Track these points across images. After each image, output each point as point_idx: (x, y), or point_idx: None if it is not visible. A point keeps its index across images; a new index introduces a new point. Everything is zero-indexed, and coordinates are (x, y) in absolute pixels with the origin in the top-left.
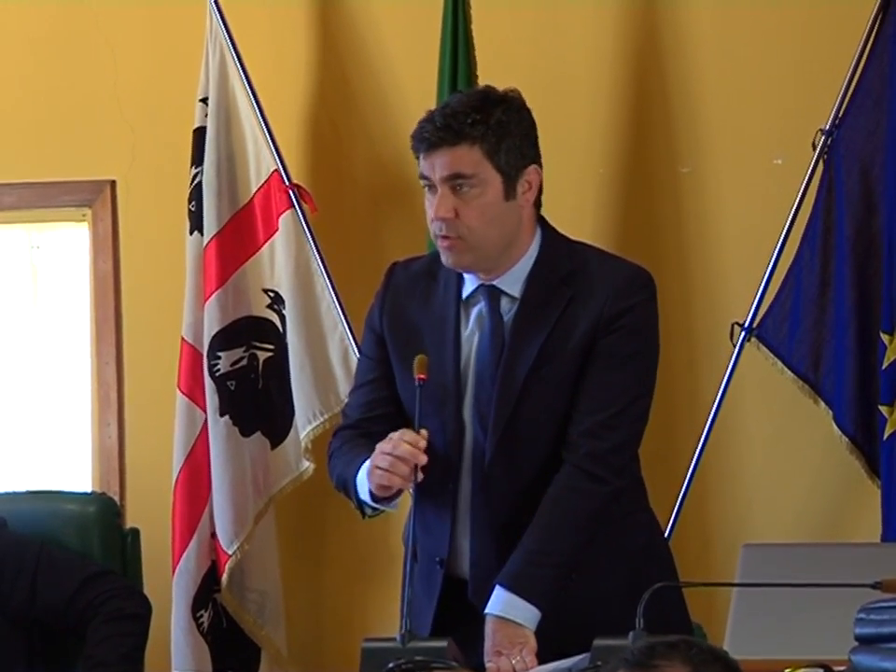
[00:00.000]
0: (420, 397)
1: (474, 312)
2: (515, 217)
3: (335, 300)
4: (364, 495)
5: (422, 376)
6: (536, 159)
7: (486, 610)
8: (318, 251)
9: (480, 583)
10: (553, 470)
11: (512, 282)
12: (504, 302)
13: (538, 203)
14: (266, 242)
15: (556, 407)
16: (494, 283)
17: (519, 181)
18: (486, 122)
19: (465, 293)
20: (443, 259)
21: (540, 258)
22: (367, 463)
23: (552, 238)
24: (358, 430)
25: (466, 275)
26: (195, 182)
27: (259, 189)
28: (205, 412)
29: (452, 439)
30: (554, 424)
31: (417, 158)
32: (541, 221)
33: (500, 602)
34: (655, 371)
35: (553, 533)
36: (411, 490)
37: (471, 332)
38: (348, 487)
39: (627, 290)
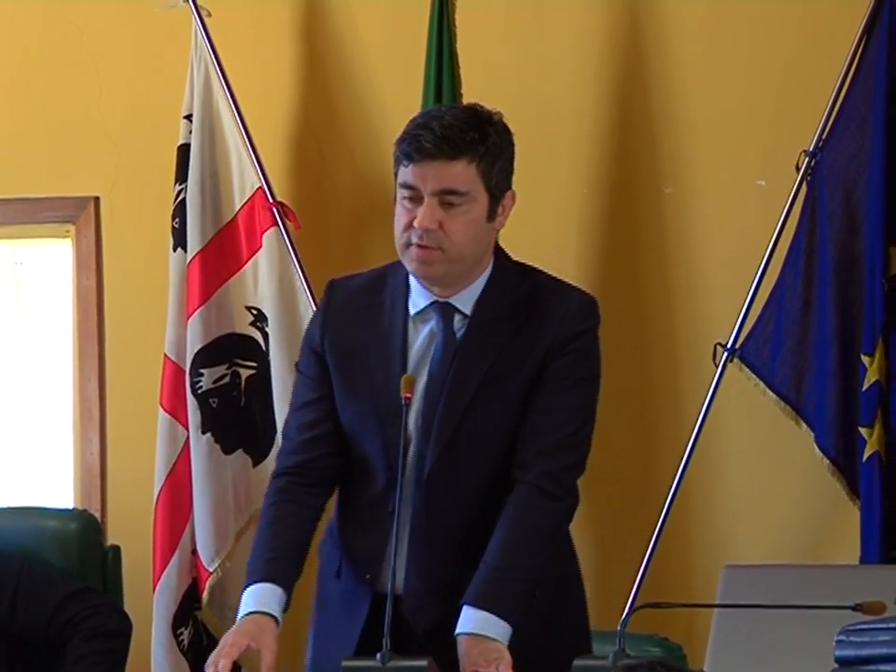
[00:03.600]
0: (406, 414)
1: (425, 328)
2: (489, 237)
3: None
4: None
5: (408, 395)
6: (511, 184)
7: (458, 631)
8: (302, 269)
9: (413, 600)
10: (492, 490)
11: (467, 300)
12: (456, 320)
13: None
14: (249, 259)
15: (502, 425)
16: (449, 300)
17: (501, 203)
18: (484, 142)
19: (413, 309)
20: (412, 268)
21: (493, 278)
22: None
23: (503, 260)
24: (294, 473)
25: (415, 291)
26: (179, 199)
27: (242, 206)
28: (187, 429)
29: (394, 454)
30: (498, 442)
31: (401, 164)
32: (496, 245)
33: (472, 620)
34: (598, 398)
35: (519, 550)
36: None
37: (420, 348)
38: (247, 579)
39: (580, 316)
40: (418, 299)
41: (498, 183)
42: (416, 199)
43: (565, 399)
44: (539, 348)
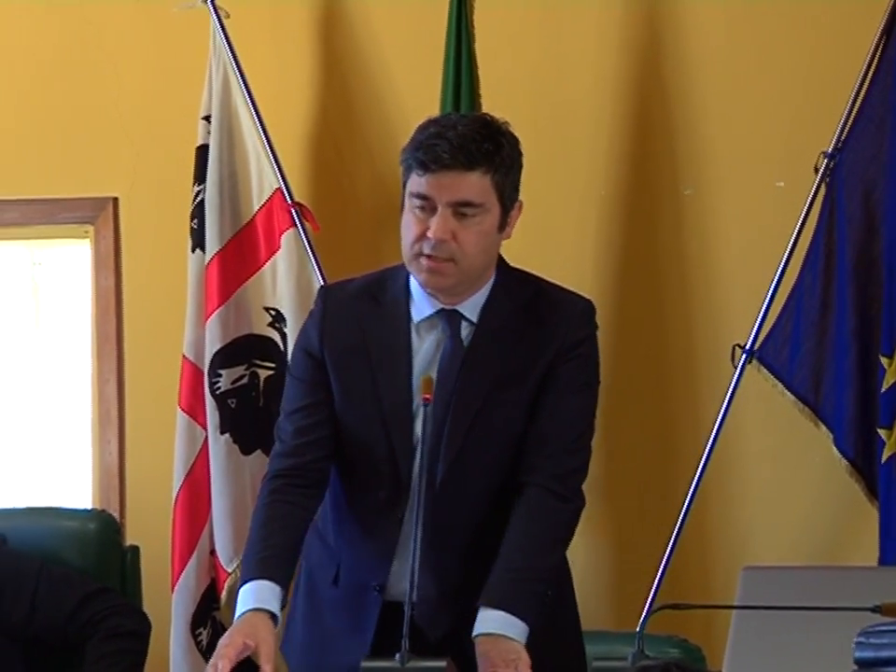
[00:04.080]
0: (426, 416)
1: (430, 335)
2: (497, 248)
3: None
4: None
5: (427, 396)
6: (519, 195)
7: (475, 632)
8: (320, 270)
9: (427, 607)
10: (501, 495)
11: (473, 307)
12: (462, 326)
13: None
14: (268, 260)
15: (510, 430)
16: (456, 307)
17: (510, 214)
18: (499, 153)
19: (417, 316)
20: (422, 279)
21: (497, 286)
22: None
23: (505, 267)
24: (288, 475)
25: (418, 298)
26: (197, 200)
27: (261, 207)
28: (206, 429)
29: (402, 463)
30: (506, 448)
31: (414, 173)
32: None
33: (490, 621)
34: (597, 404)
35: (533, 550)
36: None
37: (426, 355)
38: (242, 577)
39: (582, 321)
40: (423, 306)
41: (510, 194)
42: (429, 209)
43: (571, 403)
44: (544, 354)
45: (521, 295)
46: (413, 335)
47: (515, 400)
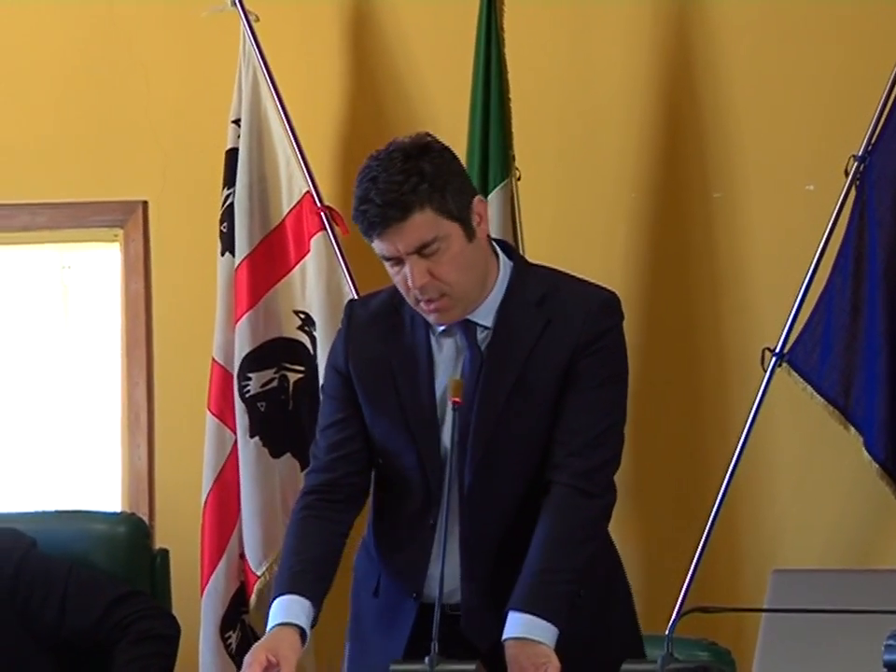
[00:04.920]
0: (455, 420)
1: (447, 341)
2: (481, 252)
3: None
4: (269, 622)
5: (457, 399)
6: (474, 190)
7: (504, 636)
8: (349, 273)
9: (473, 616)
10: (532, 495)
11: (486, 313)
12: (479, 332)
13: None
14: (297, 263)
15: (535, 430)
16: (468, 317)
17: (472, 219)
18: (424, 181)
19: (438, 328)
20: (431, 320)
21: (511, 285)
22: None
23: (520, 264)
24: (320, 490)
25: None
26: (227, 203)
27: (290, 210)
28: (235, 433)
29: (432, 469)
30: (534, 447)
31: (368, 239)
32: (508, 249)
33: (518, 625)
34: (627, 394)
35: (559, 551)
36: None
37: (446, 362)
38: (274, 592)
39: (603, 314)
40: None
41: (458, 204)
42: (399, 262)
43: (593, 398)
44: (564, 351)
45: (536, 291)
46: (434, 344)
47: (537, 400)
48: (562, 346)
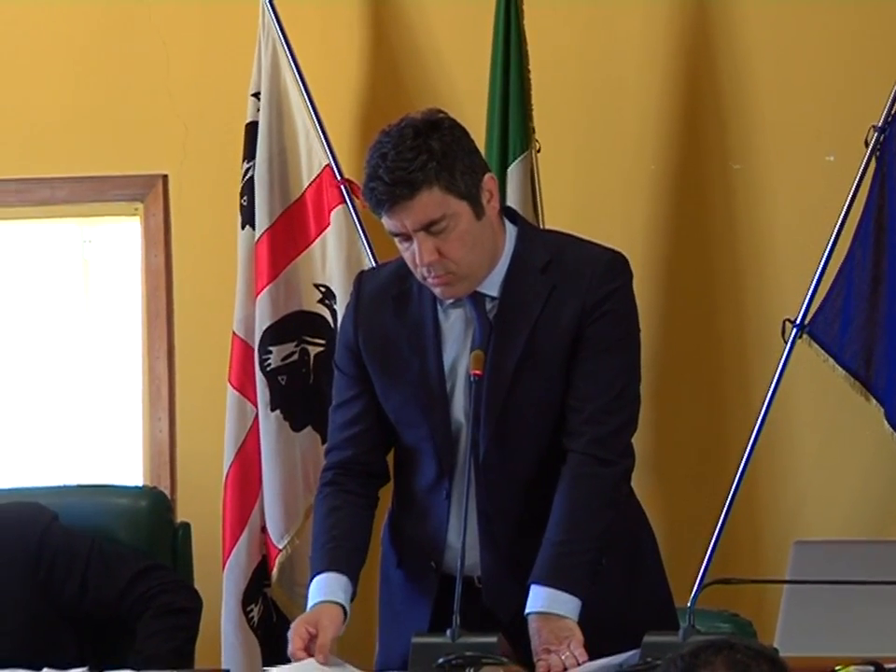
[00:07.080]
0: (472, 391)
1: (456, 314)
2: (490, 230)
3: None
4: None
5: (477, 371)
6: (485, 167)
7: (527, 611)
8: (370, 246)
9: (494, 587)
10: (548, 462)
11: (493, 284)
12: (487, 302)
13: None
14: (318, 237)
15: (547, 396)
16: (476, 289)
17: (482, 196)
18: (433, 159)
19: (445, 301)
20: (438, 294)
21: (516, 254)
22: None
23: (525, 231)
24: (339, 468)
25: None
26: (247, 177)
27: (310, 184)
28: (256, 406)
29: (443, 441)
30: (547, 414)
31: (377, 214)
32: (512, 215)
33: (541, 599)
34: (640, 352)
35: (578, 521)
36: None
37: (455, 334)
38: (311, 570)
39: (608, 275)
40: None
41: (467, 182)
42: (408, 238)
43: (605, 362)
44: (571, 315)
45: (542, 257)
46: (441, 316)
47: (547, 367)
48: (569, 310)
